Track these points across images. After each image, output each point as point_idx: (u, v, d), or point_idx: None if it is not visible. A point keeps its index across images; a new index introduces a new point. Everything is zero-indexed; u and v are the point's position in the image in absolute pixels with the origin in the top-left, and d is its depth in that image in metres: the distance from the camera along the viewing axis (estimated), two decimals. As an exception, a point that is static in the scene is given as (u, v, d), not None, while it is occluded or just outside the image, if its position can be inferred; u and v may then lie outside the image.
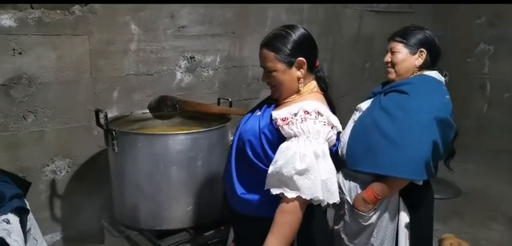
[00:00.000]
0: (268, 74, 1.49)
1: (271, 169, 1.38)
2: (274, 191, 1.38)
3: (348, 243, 1.90)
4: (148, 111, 2.44)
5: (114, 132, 2.00)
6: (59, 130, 2.37)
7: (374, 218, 1.81)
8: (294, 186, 1.35)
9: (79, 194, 2.46)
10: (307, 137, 1.36)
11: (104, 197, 2.34)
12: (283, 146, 1.39)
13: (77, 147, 2.45)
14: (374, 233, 1.83)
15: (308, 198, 1.35)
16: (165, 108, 2.39)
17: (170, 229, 2.09)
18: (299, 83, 1.48)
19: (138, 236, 2.12)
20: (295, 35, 1.45)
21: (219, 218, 2.16)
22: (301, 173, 1.33)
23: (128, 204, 2.10)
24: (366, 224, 1.82)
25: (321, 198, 1.35)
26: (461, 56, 5.07)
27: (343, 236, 1.91)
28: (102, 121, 2.10)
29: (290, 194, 1.35)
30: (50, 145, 2.36)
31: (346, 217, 1.88)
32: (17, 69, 2.19)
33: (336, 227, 1.95)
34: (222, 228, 2.17)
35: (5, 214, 1.66)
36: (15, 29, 2.15)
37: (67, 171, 2.45)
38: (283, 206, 1.38)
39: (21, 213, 1.75)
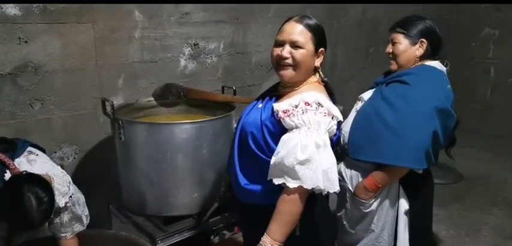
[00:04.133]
0: (293, 48, 1.48)
1: (273, 160, 1.42)
2: (277, 181, 1.42)
3: (349, 229, 1.95)
4: (153, 99, 2.46)
5: (120, 122, 2.02)
6: (66, 117, 2.40)
7: (375, 205, 1.85)
8: (295, 176, 1.38)
9: (86, 180, 2.48)
10: (308, 128, 1.39)
11: (111, 183, 2.38)
12: (284, 137, 1.42)
13: (84, 134, 2.48)
14: (374, 219, 1.88)
15: (309, 187, 1.38)
16: (170, 96, 2.42)
17: (176, 215, 2.14)
18: (316, 72, 1.55)
19: (145, 221, 2.17)
20: (322, 28, 1.54)
21: (224, 205, 2.19)
22: (302, 163, 1.36)
23: (134, 191, 2.14)
24: (366, 211, 1.86)
25: (322, 187, 1.38)
26: (466, 40, 5.03)
27: (344, 222, 1.96)
28: (108, 110, 2.12)
29: (292, 184, 1.39)
30: (57, 132, 2.39)
31: (348, 204, 1.92)
32: (23, 58, 2.21)
33: (338, 214, 1.99)
34: (226, 215, 2.23)
35: (26, 149, 1.72)
36: (21, 18, 2.16)
37: (74, 158, 2.49)
38: (285, 195, 1.42)
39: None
